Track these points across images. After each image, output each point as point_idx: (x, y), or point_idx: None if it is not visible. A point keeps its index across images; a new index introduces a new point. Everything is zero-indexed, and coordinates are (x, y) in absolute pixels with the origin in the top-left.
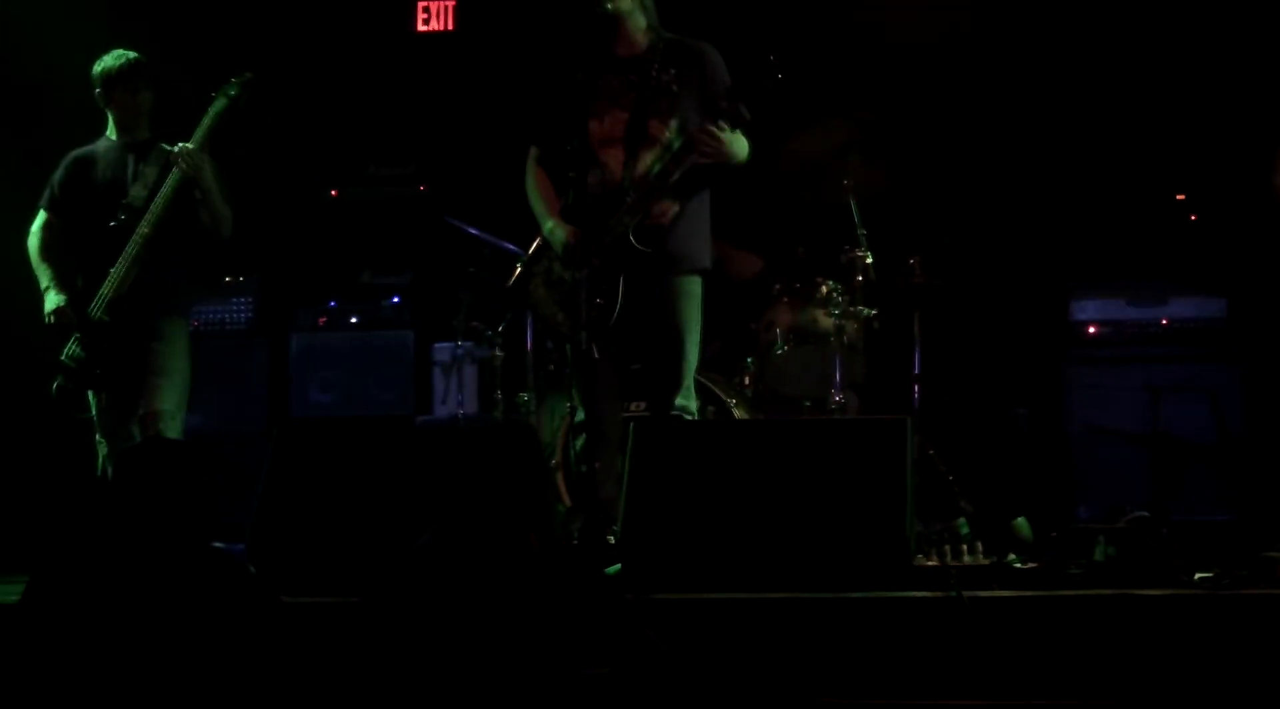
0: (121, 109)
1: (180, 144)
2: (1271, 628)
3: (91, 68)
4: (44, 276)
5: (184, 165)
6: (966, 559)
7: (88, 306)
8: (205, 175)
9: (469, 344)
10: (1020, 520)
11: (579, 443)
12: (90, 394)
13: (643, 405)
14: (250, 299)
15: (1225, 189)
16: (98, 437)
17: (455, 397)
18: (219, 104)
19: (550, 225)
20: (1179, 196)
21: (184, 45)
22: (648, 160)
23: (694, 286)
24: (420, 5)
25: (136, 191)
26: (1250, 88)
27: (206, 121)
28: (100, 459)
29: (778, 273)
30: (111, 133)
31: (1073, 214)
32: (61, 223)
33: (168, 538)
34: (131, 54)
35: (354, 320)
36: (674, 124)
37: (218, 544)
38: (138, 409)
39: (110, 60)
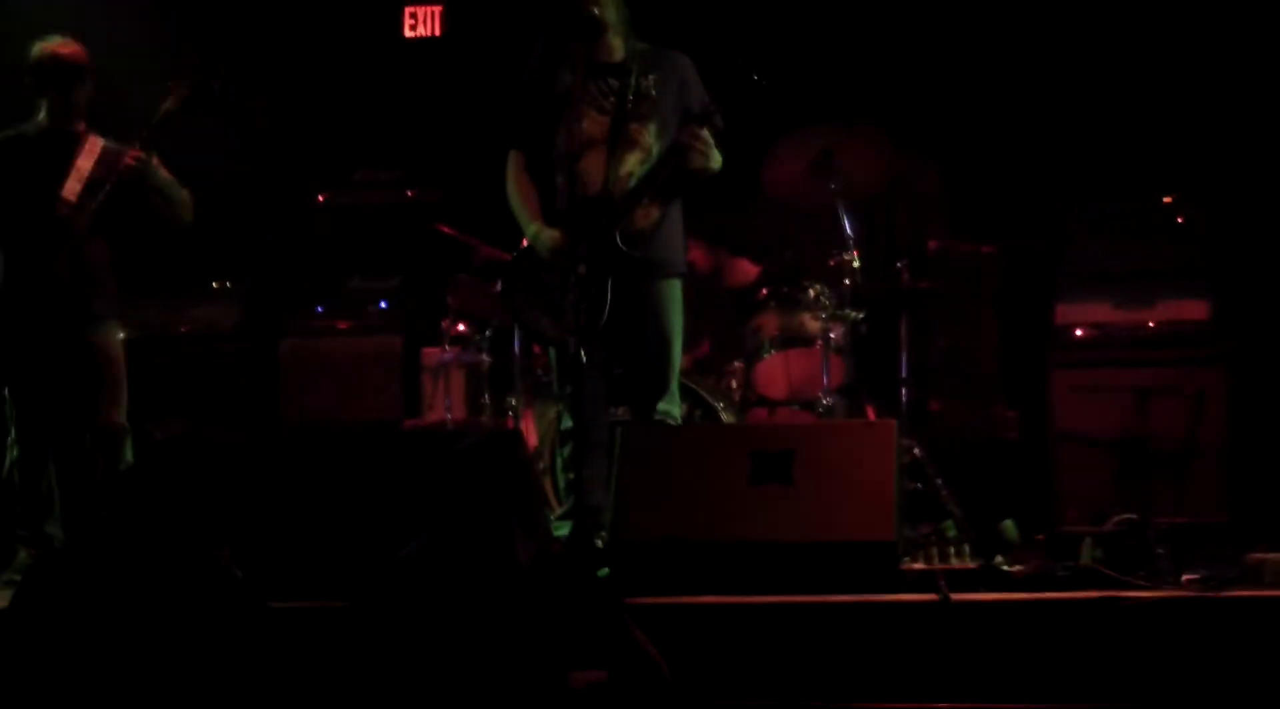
0: (56, 100)
1: (131, 149)
2: (1258, 630)
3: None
4: None
5: (132, 170)
6: (954, 562)
7: (14, 304)
8: (156, 174)
9: (457, 349)
10: (1007, 523)
11: (566, 449)
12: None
13: (624, 411)
14: (239, 304)
15: (1212, 190)
16: (11, 438)
17: (443, 401)
18: (169, 104)
19: (534, 229)
20: (1166, 199)
21: (171, 48)
22: (630, 163)
23: (677, 290)
24: (408, 11)
25: (71, 186)
26: (1243, 88)
27: (156, 120)
28: (8, 463)
29: (766, 277)
30: (44, 118)
31: (1061, 214)
32: None
33: (169, 545)
34: (71, 46)
35: (342, 325)
36: (653, 128)
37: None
38: (85, 420)
39: (50, 50)
